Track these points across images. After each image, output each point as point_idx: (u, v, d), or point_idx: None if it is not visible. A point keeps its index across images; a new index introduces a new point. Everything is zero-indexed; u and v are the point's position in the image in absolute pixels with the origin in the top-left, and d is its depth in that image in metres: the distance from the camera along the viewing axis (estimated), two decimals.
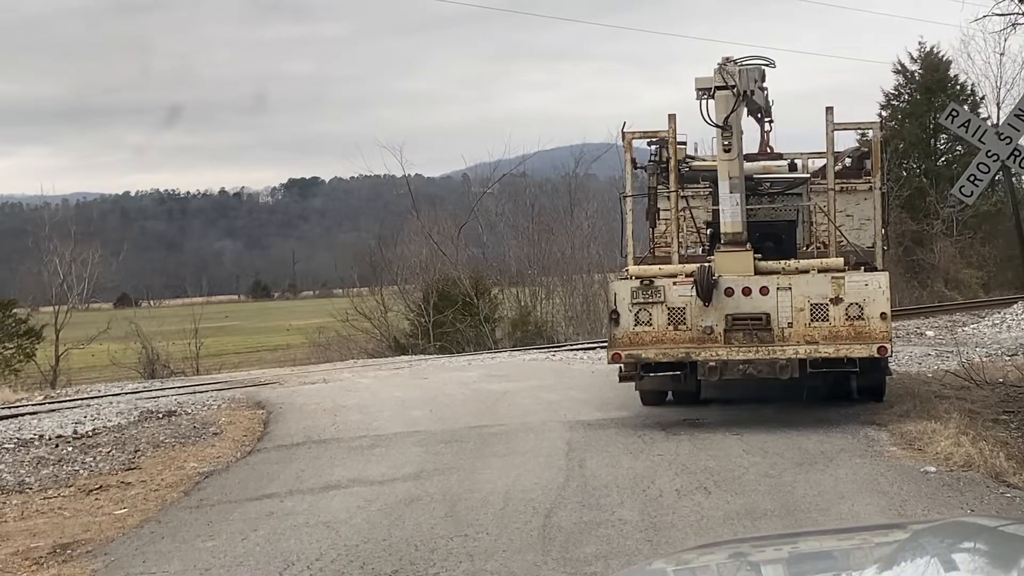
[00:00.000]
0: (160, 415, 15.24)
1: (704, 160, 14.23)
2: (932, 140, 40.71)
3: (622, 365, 12.29)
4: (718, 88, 11.85)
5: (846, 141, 17.09)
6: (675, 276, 12.20)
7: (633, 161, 13.89)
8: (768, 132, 14.10)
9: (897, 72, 40.81)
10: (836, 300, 11.70)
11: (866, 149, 14.52)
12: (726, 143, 11.98)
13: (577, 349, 23.08)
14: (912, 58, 40.64)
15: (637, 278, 12.27)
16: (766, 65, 12.39)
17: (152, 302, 72.47)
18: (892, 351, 12.38)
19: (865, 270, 12.55)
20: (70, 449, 12.91)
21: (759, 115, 13.49)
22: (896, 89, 41.21)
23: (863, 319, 11.65)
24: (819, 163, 14.27)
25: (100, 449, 12.77)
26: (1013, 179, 14.66)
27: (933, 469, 9.38)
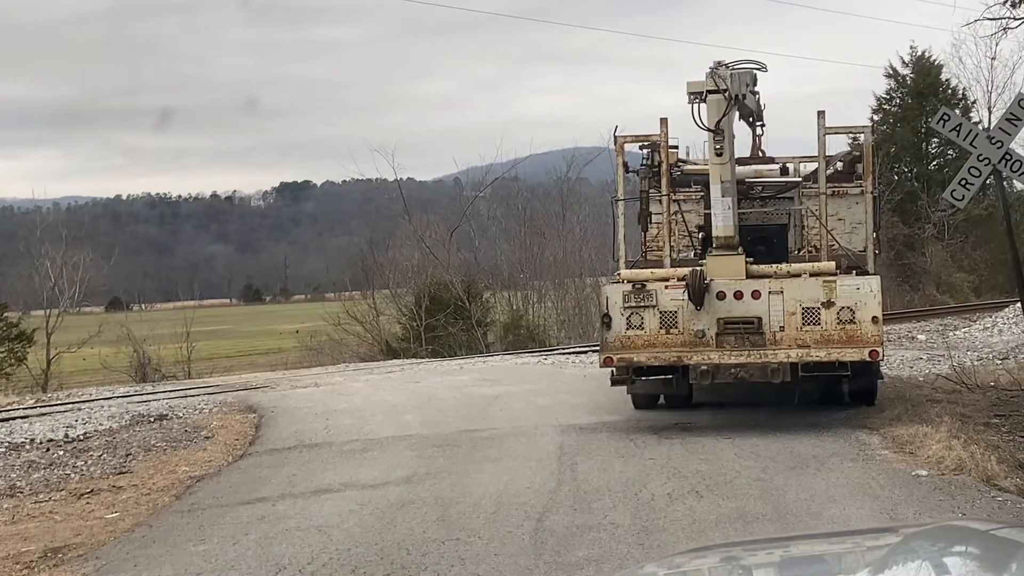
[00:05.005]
0: (151, 419, 15.22)
1: (696, 164, 14.25)
2: (924, 144, 40.82)
3: (614, 369, 12.28)
4: (710, 92, 11.86)
5: (838, 145, 17.08)
6: (667, 280, 12.21)
7: (625, 165, 13.89)
8: (760, 136, 14.14)
9: (889, 76, 40.95)
10: (828, 304, 11.71)
11: (858, 153, 14.54)
12: (718, 147, 12.00)
13: (569, 353, 23.11)
14: (904, 62, 40.80)
15: (629, 282, 12.27)
16: (758, 69, 12.39)
17: (143, 306, 72.44)
18: (884, 355, 12.38)
19: (857, 274, 12.57)
20: (61, 453, 12.89)
21: (751, 119, 13.51)
22: (888, 93, 41.37)
23: (855, 323, 11.67)
24: (811, 167, 14.29)
25: (91, 453, 12.74)
26: (1004, 183, 14.67)
27: (924, 473, 9.39)
